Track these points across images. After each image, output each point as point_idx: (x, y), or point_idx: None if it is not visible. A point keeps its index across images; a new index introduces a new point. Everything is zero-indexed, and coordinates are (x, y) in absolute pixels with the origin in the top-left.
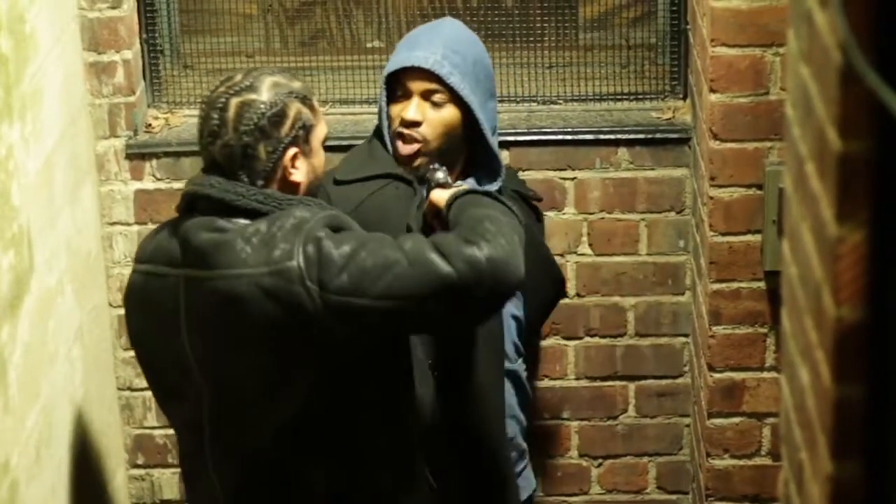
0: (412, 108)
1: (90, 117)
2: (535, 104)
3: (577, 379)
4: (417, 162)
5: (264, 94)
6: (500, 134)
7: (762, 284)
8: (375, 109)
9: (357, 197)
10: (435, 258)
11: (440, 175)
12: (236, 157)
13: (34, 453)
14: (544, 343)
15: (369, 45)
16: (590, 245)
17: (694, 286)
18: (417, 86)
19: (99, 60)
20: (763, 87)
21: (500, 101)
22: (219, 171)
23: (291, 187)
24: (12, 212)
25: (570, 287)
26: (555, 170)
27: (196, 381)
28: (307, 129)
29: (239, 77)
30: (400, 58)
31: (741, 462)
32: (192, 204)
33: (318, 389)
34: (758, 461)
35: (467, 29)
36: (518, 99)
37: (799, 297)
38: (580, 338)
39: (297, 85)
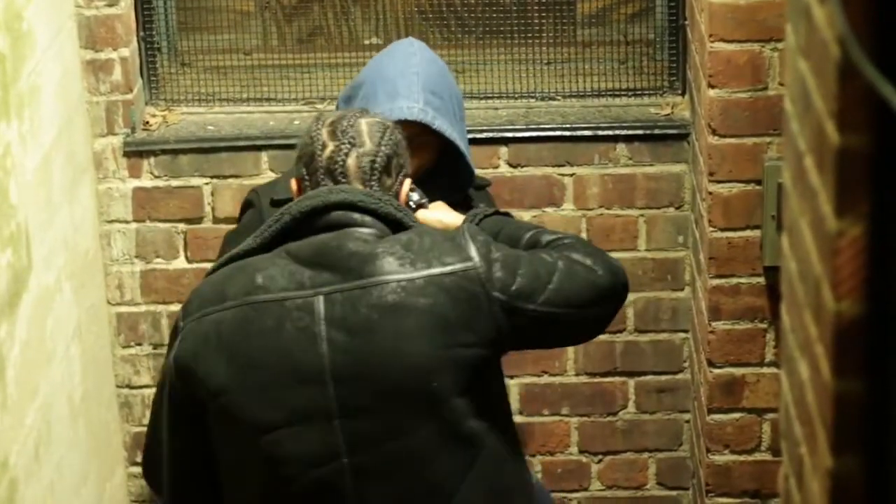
0: None
1: (88, 115)
2: (533, 100)
3: (576, 375)
4: None
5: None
6: (498, 130)
7: (762, 280)
8: None
9: None
10: (587, 264)
11: (416, 196)
12: (376, 167)
13: (33, 451)
14: None
15: (367, 41)
16: (589, 241)
17: (693, 282)
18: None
19: (96, 58)
20: (762, 82)
21: (499, 98)
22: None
23: None
24: (10, 210)
25: None
26: (553, 166)
27: (331, 399)
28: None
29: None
30: (384, 108)
31: (741, 457)
32: (309, 220)
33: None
34: (758, 456)
35: (432, 53)
36: (516, 95)
37: (798, 292)
38: None
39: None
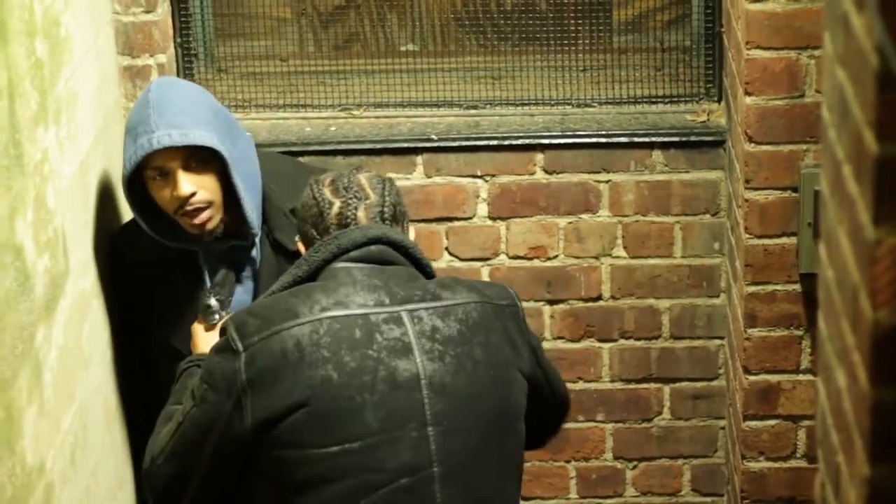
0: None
1: (124, 121)
2: (569, 107)
3: (611, 381)
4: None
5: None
6: (535, 136)
7: (797, 287)
8: (410, 113)
9: None
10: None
11: (213, 303)
12: (386, 216)
13: (69, 456)
14: (579, 345)
15: (403, 48)
16: (624, 248)
17: (729, 289)
18: None
19: (133, 64)
20: (798, 89)
21: (535, 104)
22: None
23: None
24: (48, 215)
25: (605, 289)
26: (589, 172)
27: (426, 407)
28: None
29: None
30: (129, 155)
31: (776, 465)
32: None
33: None
34: (793, 463)
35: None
36: (552, 102)
37: (835, 300)
38: (615, 340)
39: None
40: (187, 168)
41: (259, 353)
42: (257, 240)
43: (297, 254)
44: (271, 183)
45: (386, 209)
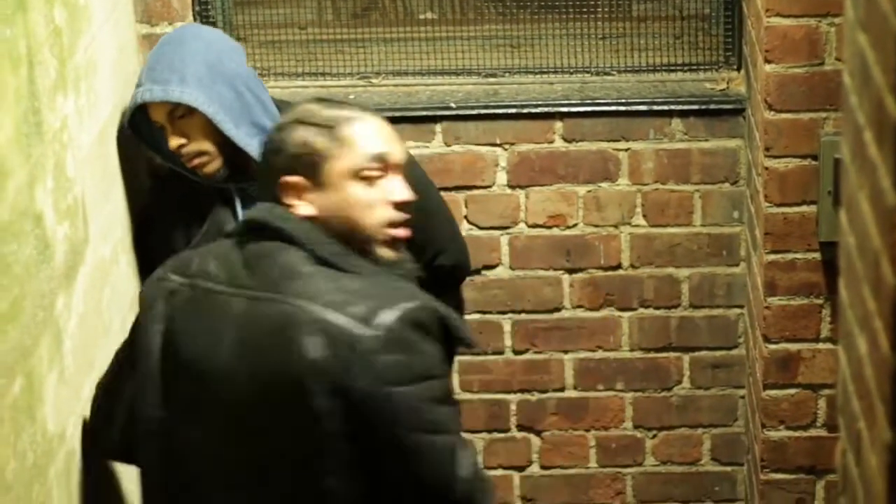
0: None
1: None
2: (588, 75)
3: (631, 350)
4: None
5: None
6: (553, 105)
7: (817, 255)
8: (429, 81)
9: None
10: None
11: None
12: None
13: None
14: (598, 314)
15: (422, 16)
16: (644, 216)
17: (749, 257)
18: None
19: (152, 32)
20: (818, 57)
21: (554, 73)
22: None
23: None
24: (67, 183)
25: (625, 258)
26: (608, 141)
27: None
28: (317, 157)
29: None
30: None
31: (796, 433)
32: None
33: None
34: (813, 432)
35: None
36: (571, 70)
37: (857, 267)
38: (634, 309)
39: (325, 114)
40: (173, 121)
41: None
42: None
43: None
44: None
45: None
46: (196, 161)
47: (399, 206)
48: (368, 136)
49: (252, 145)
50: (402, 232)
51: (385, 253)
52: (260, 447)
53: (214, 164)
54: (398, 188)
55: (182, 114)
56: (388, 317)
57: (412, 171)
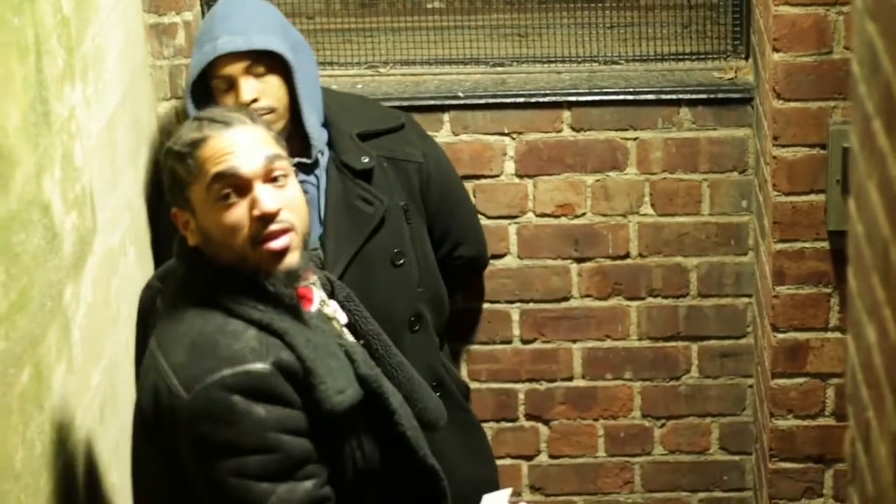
0: None
1: (151, 79)
2: (596, 64)
3: (639, 339)
4: None
5: None
6: (561, 94)
7: (826, 244)
8: (436, 70)
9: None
10: None
11: None
12: None
13: (98, 413)
14: (606, 303)
15: (429, 5)
16: (652, 205)
17: (757, 246)
18: None
19: (160, 22)
20: (826, 45)
21: (562, 62)
22: None
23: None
24: (75, 172)
25: (633, 247)
26: (616, 130)
27: None
28: (181, 186)
29: None
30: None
31: (805, 422)
32: None
33: None
34: (821, 421)
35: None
36: (579, 59)
37: (866, 255)
38: (642, 298)
39: (185, 138)
40: (250, 74)
41: None
42: (322, 162)
43: (364, 173)
44: (336, 110)
45: None
46: (265, 119)
47: (265, 218)
48: (212, 156)
49: (308, 111)
50: (278, 244)
51: (271, 268)
52: (137, 474)
53: (279, 125)
54: (260, 200)
55: (262, 72)
56: (209, 380)
57: (439, 162)
